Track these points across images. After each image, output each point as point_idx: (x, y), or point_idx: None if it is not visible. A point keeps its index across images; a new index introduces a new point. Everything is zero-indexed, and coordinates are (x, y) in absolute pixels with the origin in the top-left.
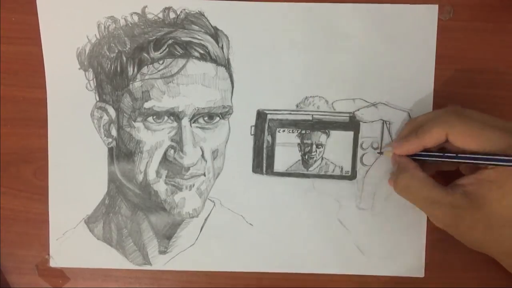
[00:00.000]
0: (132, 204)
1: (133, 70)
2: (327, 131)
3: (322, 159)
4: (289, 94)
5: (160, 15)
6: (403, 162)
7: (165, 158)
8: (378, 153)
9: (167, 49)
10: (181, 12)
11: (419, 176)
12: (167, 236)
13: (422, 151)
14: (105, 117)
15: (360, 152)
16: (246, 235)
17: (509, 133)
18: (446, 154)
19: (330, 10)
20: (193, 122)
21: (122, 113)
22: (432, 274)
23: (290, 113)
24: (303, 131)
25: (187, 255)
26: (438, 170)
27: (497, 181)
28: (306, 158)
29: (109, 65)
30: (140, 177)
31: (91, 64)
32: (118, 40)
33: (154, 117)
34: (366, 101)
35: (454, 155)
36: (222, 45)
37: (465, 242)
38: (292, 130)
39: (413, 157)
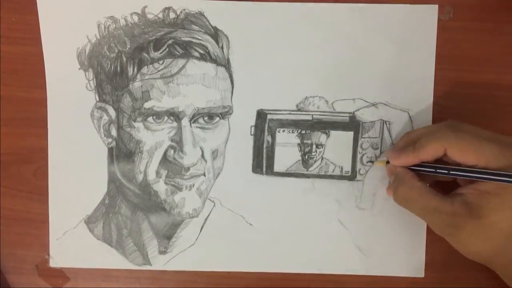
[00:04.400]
0: (132, 204)
1: (133, 70)
2: (327, 131)
3: (322, 159)
4: (289, 94)
5: (160, 15)
6: (400, 172)
7: (165, 158)
8: (369, 162)
9: (167, 49)
10: (181, 12)
11: (417, 186)
12: (167, 236)
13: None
14: (105, 117)
15: (360, 152)
16: (246, 235)
17: (508, 147)
18: (438, 170)
19: (330, 10)
20: (193, 122)
21: (122, 113)
22: (432, 274)
23: (290, 113)
24: (303, 131)
25: (187, 255)
26: (436, 180)
27: (497, 193)
28: (306, 158)
29: (109, 65)
30: (140, 177)
31: (91, 64)
32: (118, 40)
33: (154, 117)
34: (366, 101)
35: (446, 171)
36: (222, 45)
37: (464, 252)
38: (292, 130)
39: (408, 167)
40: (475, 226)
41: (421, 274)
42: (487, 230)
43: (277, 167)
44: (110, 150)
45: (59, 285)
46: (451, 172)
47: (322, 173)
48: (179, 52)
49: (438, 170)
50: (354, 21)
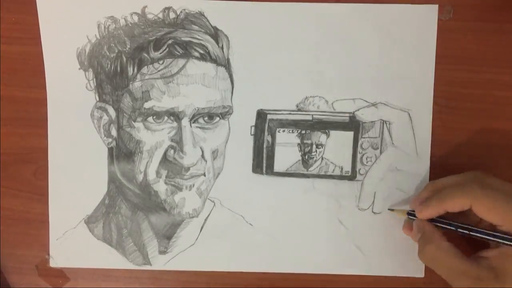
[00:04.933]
0: (132, 204)
1: (133, 70)
2: (327, 131)
3: (322, 159)
4: (289, 94)
5: (160, 15)
6: (428, 231)
7: (165, 158)
8: (389, 209)
9: (167, 49)
10: (181, 12)
11: (445, 247)
12: (167, 236)
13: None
14: (105, 117)
15: (360, 152)
16: (246, 235)
17: None
18: (458, 230)
19: (330, 10)
20: (193, 122)
21: (122, 113)
22: (432, 274)
23: (290, 113)
24: (303, 131)
25: (187, 255)
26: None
27: None
28: (306, 158)
29: (109, 65)
30: (140, 177)
31: (91, 64)
32: (118, 40)
33: (154, 117)
34: (366, 101)
35: (467, 232)
36: (222, 45)
37: None
38: (292, 130)
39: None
40: None
41: (421, 274)
42: None
43: (277, 167)
44: (110, 150)
45: (59, 285)
46: (471, 233)
47: (322, 173)
48: (179, 52)
49: (459, 230)
50: (354, 21)
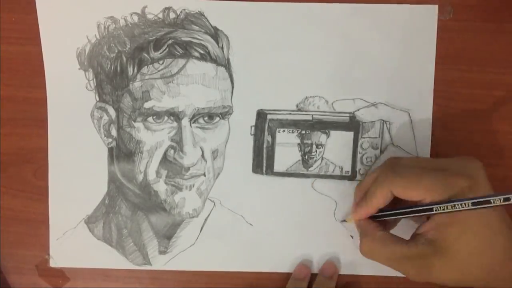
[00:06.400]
0: (132, 204)
1: (133, 70)
2: (327, 131)
3: (322, 159)
4: (289, 94)
5: (160, 15)
6: (362, 225)
7: (165, 158)
8: (341, 221)
9: (167, 49)
10: (181, 12)
11: (379, 236)
12: (167, 236)
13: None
14: (105, 117)
15: (360, 152)
16: (246, 235)
17: (449, 175)
18: (386, 214)
19: (330, 10)
20: (193, 122)
21: (122, 113)
22: None
23: (290, 113)
24: (303, 131)
25: (187, 255)
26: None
27: (451, 222)
28: (306, 158)
29: (109, 65)
30: (140, 177)
31: (91, 64)
32: (118, 40)
33: (154, 117)
34: (366, 101)
35: (393, 213)
36: (222, 45)
37: (443, 285)
38: (292, 130)
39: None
40: (444, 260)
41: None
42: (456, 259)
43: (277, 167)
44: (110, 150)
45: (59, 285)
46: (396, 213)
47: (322, 173)
48: (179, 52)
49: (386, 214)
50: (354, 21)
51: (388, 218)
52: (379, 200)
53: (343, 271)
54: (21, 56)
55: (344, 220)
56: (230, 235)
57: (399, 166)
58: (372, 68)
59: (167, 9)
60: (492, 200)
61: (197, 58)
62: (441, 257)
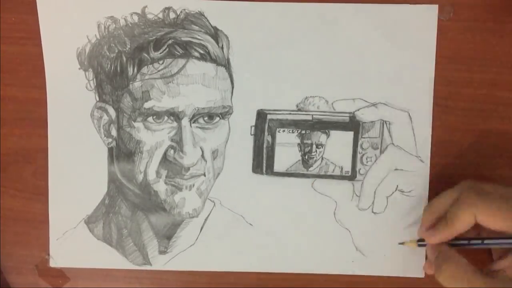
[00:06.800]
0: (132, 204)
1: (133, 70)
2: (327, 131)
3: (322, 159)
4: (289, 94)
5: (160, 15)
6: (444, 250)
7: (165, 158)
8: (399, 243)
9: (167, 49)
10: (181, 12)
11: (463, 264)
12: (167, 236)
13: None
14: (105, 117)
15: (360, 152)
16: (246, 235)
17: None
18: (471, 242)
19: (330, 10)
20: (193, 122)
21: (122, 113)
22: (432, 274)
23: (290, 113)
24: (303, 131)
25: (187, 255)
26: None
27: None
28: (306, 158)
29: (109, 65)
30: (140, 177)
31: (91, 64)
32: (118, 40)
33: (154, 117)
34: (366, 101)
35: (480, 242)
36: (222, 45)
37: None
38: (292, 130)
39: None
40: None
41: (421, 274)
42: None
43: (277, 167)
44: (110, 150)
45: (59, 285)
46: (484, 242)
47: (322, 173)
48: (179, 52)
49: (471, 242)
50: (354, 21)
51: (471, 246)
52: (463, 224)
53: (343, 271)
54: (21, 56)
55: (402, 243)
56: (230, 235)
57: (484, 191)
58: (372, 68)
59: (167, 9)
60: None
61: (197, 58)
62: None
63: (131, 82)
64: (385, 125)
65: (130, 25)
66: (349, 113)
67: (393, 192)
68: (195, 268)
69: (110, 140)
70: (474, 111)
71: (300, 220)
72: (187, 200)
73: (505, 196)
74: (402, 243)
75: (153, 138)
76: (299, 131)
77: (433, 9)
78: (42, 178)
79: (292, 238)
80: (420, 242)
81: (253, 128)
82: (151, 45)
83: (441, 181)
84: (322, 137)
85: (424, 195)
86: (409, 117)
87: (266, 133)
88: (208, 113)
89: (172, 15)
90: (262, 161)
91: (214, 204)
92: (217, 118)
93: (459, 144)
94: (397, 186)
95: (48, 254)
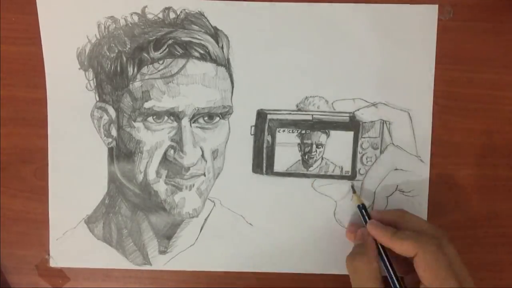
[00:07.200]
0: (132, 204)
1: (133, 70)
2: (327, 131)
3: (322, 159)
4: (289, 94)
5: (160, 15)
6: (369, 244)
7: (165, 158)
8: (352, 188)
9: (167, 49)
10: (181, 12)
11: (373, 268)
12: (167, 236)
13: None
14: (105, 117)
15: (360, 152)
16: (246, 235)
17: None
18: (387, 267)
19: (330, 10)
20: (193, 122)
21: (122, 113)
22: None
23: (290, 113)
24: (303, 131)
25: (187, 255)
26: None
27: None
28: (306, 158)
29: (109, 65)
30: (140, 177)
31: (91, 64)
32: (118, 40)
33: (154, 117)
34: (366, 101)
35: (390, 272)
36: (222, 45)
37: None
38: (292, 130)
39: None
40: None
41: None
42: None
43: (277, 167)
44: (110, 150)
45: (59, 285)
46: (390, 276)
47: (322, 173)
48: (179, 52)
49: (387, 267)
50: (354, 21)
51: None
52: (401, 248)
53: (343, 271)
54: (21, 56)
55: (353, 188)
56: (230, 235)
57: (443, 251)
58: (372, 68)
59: (167, 9)
60: None
61: (197, 58)
62: None
63: (131, 82)
64: (385, 125)
65: (130, 25)
66: (349, 113)
67: (393, 192)
68: (195, 268)
69: (110, 140)
70: (474, 111)
71: (300, 220)
72: (187, 200)
73: (452, 268)
74: (353, 188)
75: (153, 138)
76: (299, 131)
77: (433, 9)
78: (42, 178)
79: (292, 238)
80: (364, 215)
81: (253, 128)
82: (151, 45)
83: (441, 181)
84: (322, 137)
85: (424, 195)
86: (409, 117)
87: (266, 133)
88: (208, 113)
89: (172, 15)
90: (262, 161)
91: (214, 204)
92: (217, 118)
93: (459, 144)
94: (397, 186)
95: (48, 254)
